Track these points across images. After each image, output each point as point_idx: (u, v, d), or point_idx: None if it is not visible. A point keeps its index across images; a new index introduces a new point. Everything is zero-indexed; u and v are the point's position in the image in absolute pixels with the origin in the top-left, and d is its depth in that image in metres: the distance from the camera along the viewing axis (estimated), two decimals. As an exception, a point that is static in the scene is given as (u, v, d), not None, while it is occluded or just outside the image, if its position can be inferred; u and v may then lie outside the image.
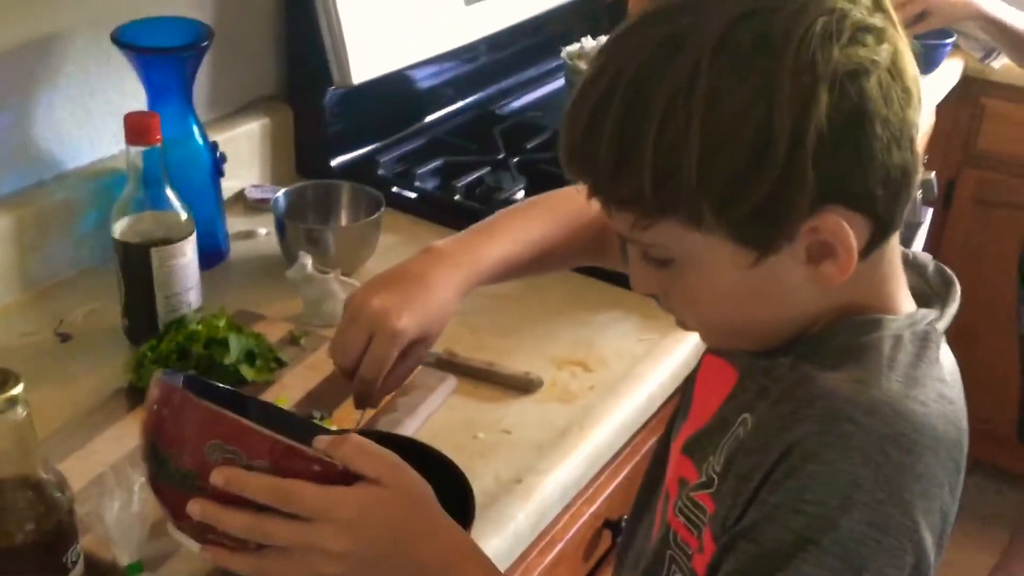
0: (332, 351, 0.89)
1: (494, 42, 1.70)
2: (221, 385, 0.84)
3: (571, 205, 1.00)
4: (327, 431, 0.84)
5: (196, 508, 0.66)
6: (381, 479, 0.68)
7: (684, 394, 0.87)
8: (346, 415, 1.03)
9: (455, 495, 0.84)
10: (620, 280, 1.19)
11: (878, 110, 0.63)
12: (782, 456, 0.65)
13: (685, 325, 0.76)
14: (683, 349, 1.20)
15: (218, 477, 0.65)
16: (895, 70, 0.65)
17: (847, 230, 0.65)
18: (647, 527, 0.85)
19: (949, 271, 0.77)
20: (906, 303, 0.73)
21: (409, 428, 1.02)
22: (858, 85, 0.63)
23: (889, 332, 0.69)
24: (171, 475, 0.68)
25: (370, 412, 0.90)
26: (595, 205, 0.88)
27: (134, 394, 1.03)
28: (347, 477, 0.67)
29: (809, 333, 0.71)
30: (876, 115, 0.63)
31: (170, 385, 0.70)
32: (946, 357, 0.72)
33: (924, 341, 0.70)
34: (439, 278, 0.90)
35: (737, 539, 0.66)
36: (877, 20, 0.64)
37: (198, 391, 0.72)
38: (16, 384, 0.74)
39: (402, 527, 0.68)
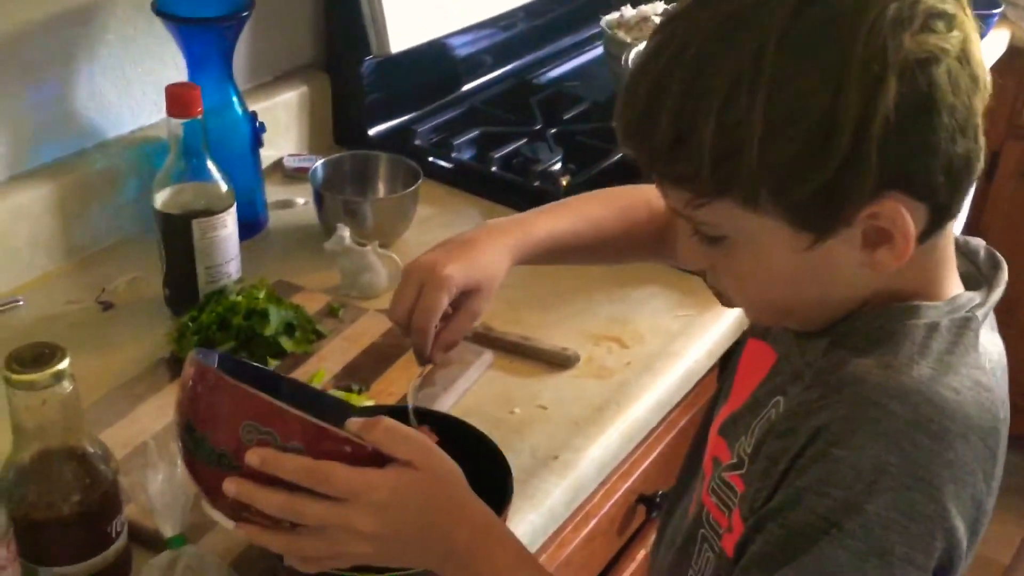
0: (389, 310, 0.91)
1: (531, 10, 1.68)
2: (254, 364, 0.85)
3: (633, 200, 1.01)
4: (358, 411, 0.85)
5: (232, 487, 0.67)
6: (412, 462, 0.68)
7: (725, 376, 0.87)
8: (384, 388, 1.03)
9: (493, 473, 0.85)
10: (658, 256, 1.18)
11: (945, 99, 0.63)
12: (810, 440, 0.65)
13: (731, 302, 0.76)
14: (720, 326, 1.19)
15: (253, 457, 0.66)
16: (964, 57, 0.64)
17: (906, 217, 0.64)
18: (685, 506, 0.85)
19: (999, 256, 0.76)
20: (953, 289, 0.72)
21: (446, 402, 1.02)
22: (928, 74, 0.62)
23: (926, 320, 0.69)
24: (206, 454, 0.69)
25: (429, 369, 0.91)
26: (657, 202, 0.88)
27: (176, 364, 1.05)
28: (378, 459, 0.68)
29: (850, 317, 0.71)
30: (943, 104, 0.63)
31: (205, 365, 0.71)
32: (990, 344, 0.71)
33: (962, 328, 0.69)
34: (488, 239, 0.92)
35: (764, 520, 0.67)
36: (948, 6, 0.63)
37: (231, 370, 0.72)
38: (63, 359, 0.75)
39: (432, 510, 0.69)
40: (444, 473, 0.71)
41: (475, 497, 0.72)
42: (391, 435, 0.69)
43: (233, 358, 0.85)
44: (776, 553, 0.65)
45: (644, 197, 1.01)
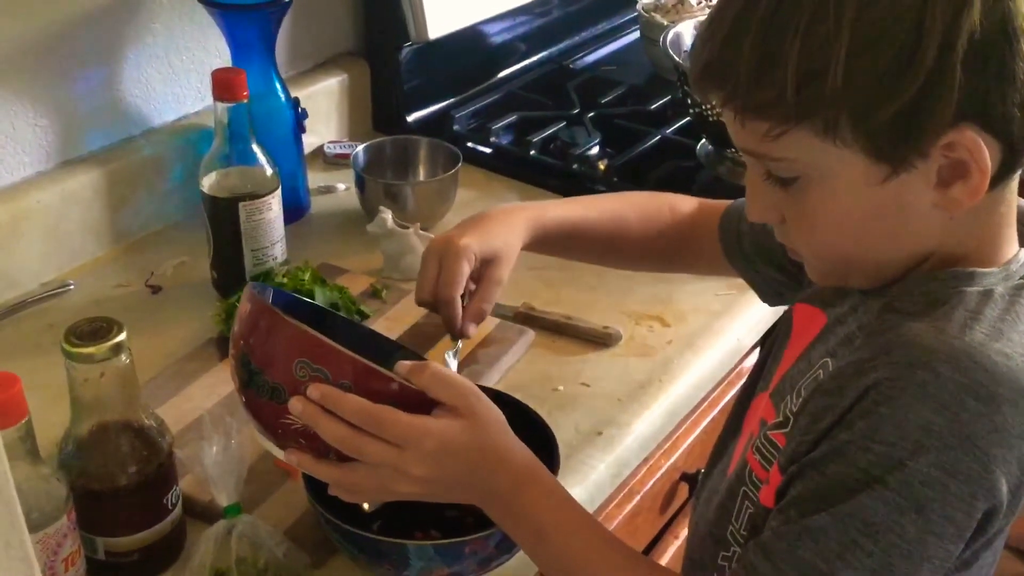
0: (415, 292, 0.93)
1: (568, -5, 1.69)
2: (309, 300, 0.87)
3: (656, 202, 1.02)
4: (409, 352, 0.87)
5: (298, 406, 0.69)
6: (458, 408, 0.71)
7: (771, 340, 0.87)
8: (428, 367, 1.04)
9: (540, 446, 0.86)
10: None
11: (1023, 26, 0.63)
12: (857, 399, 0.65)
13: (798, 254, 0.76)
14: (761, 305, 1.19)
15: (315, 392, 0.69)
16: None
17: (983, 149, 0.64)
18: (723, 467, 0.86)
19: None
20: (1009, 251, 0.72)
21: (490, 380, 1.03)
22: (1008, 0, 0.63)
23: (980, 287, 0.69)
24: (260, 386, 0.71)
25: (466, 346, 0.92)
26: (680, 207, 0.90)
27: (224, 344, 1.06)
28: (425, 401, 0.71)
29: (906, 280, 0.71)
30: (1022, 32, 0.63)
31: (261, 302, 0.72)
32: None
33: (1015, 295, 0.69)
34: (502, 214, 0.96)
35: (804, 469, 0.67)
36: None
37: (286, 305, 0.75)
38: (120, 332, 0.77)
39: (476, 456, 0.72)
40: (488, 419, 0.73)
41: (517, 442, 0.75)
42: (437, 380, 0.72)
43: (287, 293, 0.86)
44: (813, 499, 0.66)
45: (668, 202, 1.02)
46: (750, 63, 0.65)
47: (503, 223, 0.95)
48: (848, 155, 0.65)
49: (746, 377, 0.91)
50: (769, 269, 0.95)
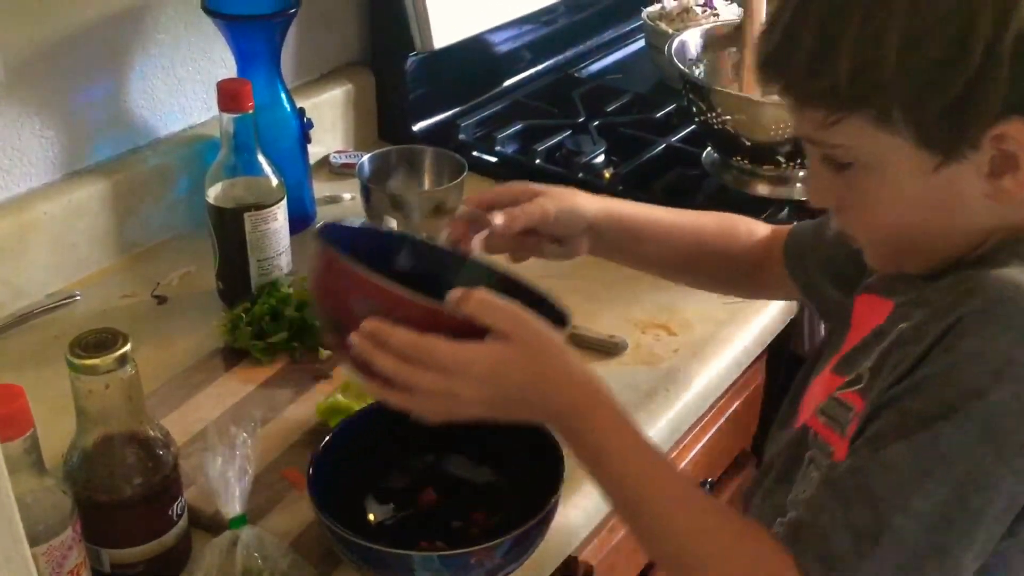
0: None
1: (573, 4, 1.69)
2: (380, 229, 0.98)
3: (733, 219, 1.02)
4: (468, 267, 0.88)
5: (355, 339, 0.73)
6: (507, 332, 0.72)
7: (831, 332, 0.88)
8: (434, 376, 1.04)
9: (545, 456, 0.86)
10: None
11: None
12: (939, 337, 0.66)
13: (855, 240, 0.78)
14: (768, 313, 1.19)
15: (367, 326, 0.72)
16: None
17: None
18: (781, 440, 0.85)
19: None
20: None
21: (496, 389, 1.03)
22: None
23: None
24: (327, 319, 0.79)
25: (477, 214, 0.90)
26: (757, 230, 0.95)
27: (230, 355, 1.07)
28: (479, 329, 0.72)
29: (972, 256, 0.72)
30: None
31: (325, 244, 0.76)
32: None
33: None
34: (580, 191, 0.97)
35: (879, 410, 0.68)
36: None
37: (355, 236, 0.84)
38: (125, 343, 0.77)
39: (530, 378, 0.73)
40: (539, 342, 0.73)
41: (575, 364, 0.74)
42: (483, 306, 0.73)
43: (357, 227, 0.94)
44: (891, 432, 0.66)
45: (746, 224, 1.03)
46: (807, 54, 0.68)
47: (580, 194, 0.95)
48: (901, 143, 0.68)
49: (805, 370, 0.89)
50: (829, 288, 0.95)
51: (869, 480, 0.66)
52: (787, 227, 1.01)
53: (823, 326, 1.25)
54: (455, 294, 0.73)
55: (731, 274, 1.03)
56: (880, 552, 0.65)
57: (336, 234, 0.81)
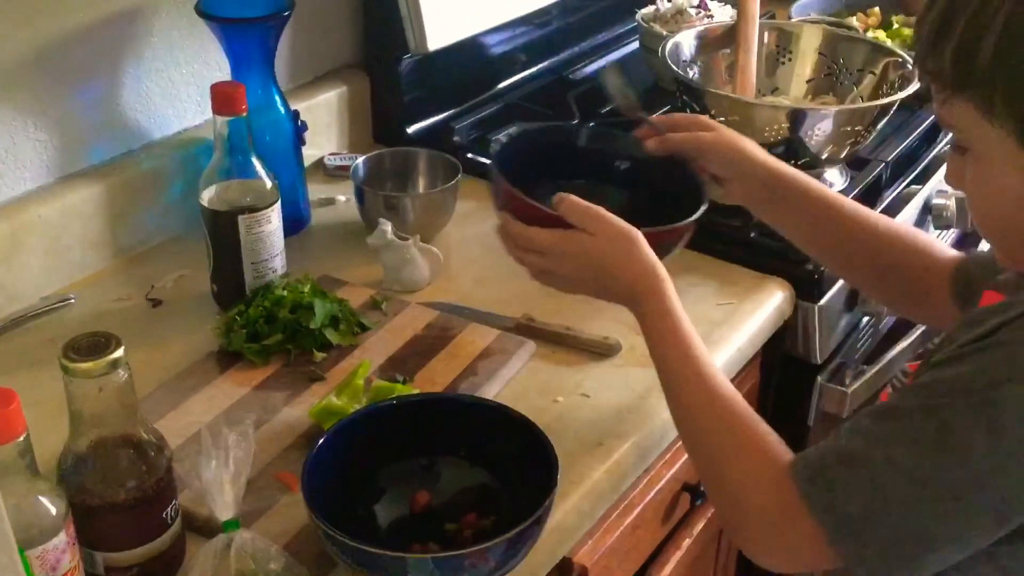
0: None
1: (567, 6, 1.69)
2: (557, 125, 1.19)
3: (920, 239, 1.05)
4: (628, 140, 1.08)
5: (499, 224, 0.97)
6: (587, 226, 0.90)
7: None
8: (427, 378, 1.05)
9: (539, 458, 0.86)
10: (698, 245, 1.19)
11: None
12: (991, 330, 0.71)
13: (979, 229, 0.82)
14: (761, 314, 1.19)
15: (500, 223, 0.97)
16: None
17: None
18: None
19: None
20: None
21: (489, 391, 1.03)
22: None
23: None
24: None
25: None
26: (943, 254, 0.99)
27: (225, 357, 1.07)
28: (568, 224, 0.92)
29: None
30: None
31: (492, 159, 1.00)
32: None
33: None
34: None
35: (921, 369, 0.74)
36: None
37: (533, 136, 1.10)
38: (118, 347, 0.77)
39: (603, 260, 0.90)
40: (613, 236, 0.90)
41: (638, 254, 0.89)
42: (570, 207, 0.91)
43: (533, 131, 1.15)
44: (914, 391, 0.72)
45: (933, 245, 1.05)
46: (930, 35, 0.74)
47: (749, 142, 1.05)
48: (1003, 136, 0.72)
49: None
50: None
51: (873, 418, 0.73)
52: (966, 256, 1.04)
53: (819, 327, 1.25)
54: (556, 198, 0.91)
55: (903, 290, 1.06)
56: (854, 475, 0.72)
57: (523, 139, 1.07)
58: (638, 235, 0.89)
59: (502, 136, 1.03)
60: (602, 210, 0.90)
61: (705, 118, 1.08)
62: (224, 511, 0.80)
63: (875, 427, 0.73)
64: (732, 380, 1.16)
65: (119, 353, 0.77)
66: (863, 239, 1.03)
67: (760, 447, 0.80)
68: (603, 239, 0.90)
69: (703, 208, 0.98)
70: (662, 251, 0.93)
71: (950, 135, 0.80)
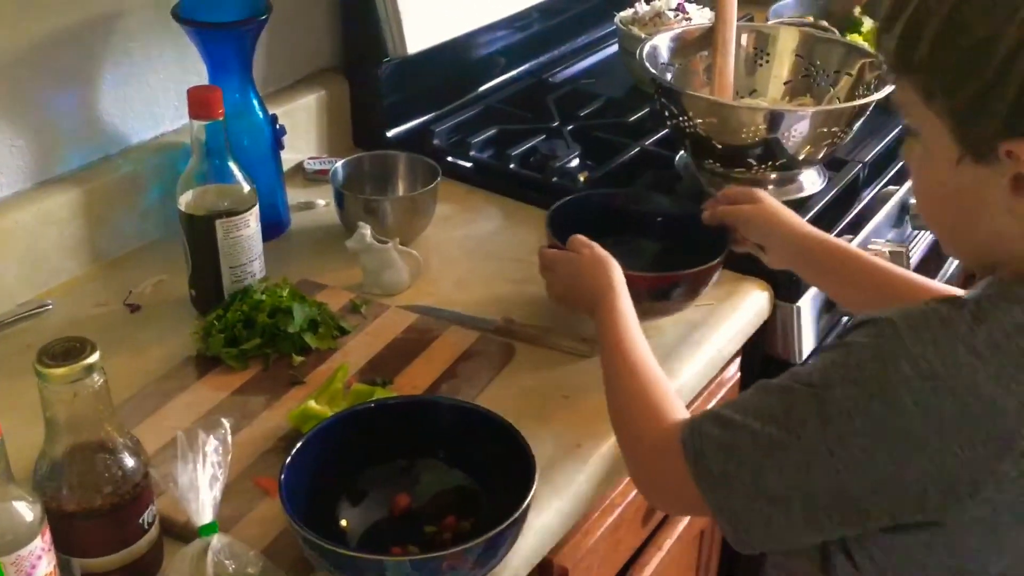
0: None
1: (546, 9, 1.69)
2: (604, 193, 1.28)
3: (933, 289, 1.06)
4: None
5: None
6: (580, 252, 1.07)
7: None
8: (407, 381, 1.05)
9: (517, 460, 0.86)
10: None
11: None
12: (848, 329, 0.77)
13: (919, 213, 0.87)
14: (741, 315, 1.20)
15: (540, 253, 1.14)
16: None
17: None
18: None
19: None
20: None
21: (469, 394, 1.03)
22: None
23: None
24: None
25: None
26: None
27: (203, 362, 1.06)
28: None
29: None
30: None
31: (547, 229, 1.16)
32: None
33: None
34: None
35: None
36: None
37: (586, 200, 1.25)
38: (93, 352, 0.77)
39: (584, 274, 1.05)
40: (596, 262, 1.05)
41: (606, 275, 1.02)
42: (572, 240, 1.09)
43: (581, 197, 1.25)
44: (782, 378, 0.79)
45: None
46: (886, 12, 0.76)
47: (786, 213, 1.14)
48: (939, 125, 0.74)
49: None
50: None
51: (752, 390, 0.80)
52: None
53: (797, 327, 1.26)
54: (571, 238, 1.09)
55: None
56: (722, 435, 0.79)
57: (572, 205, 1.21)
58: (611, 261, 1.05)
59: (557, 203, 1.19)
60: (592, 242, 1.08)
61: (756, 191, 1.16)
62: (201, 516, 0.80)
63: (748, 397, 0.80)
64: (712, 380, 1.17)
65: (94, 358, 0.76)
66: (901, 295, 1.05)
67: (662, 404, 0.90)
68: (585, 259, 1.06)
69: (715, 261, 1.13)
70: (659, 294, 1.11)
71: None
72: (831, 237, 1.13)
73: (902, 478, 0.71)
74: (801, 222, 1.13)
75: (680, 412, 0.89)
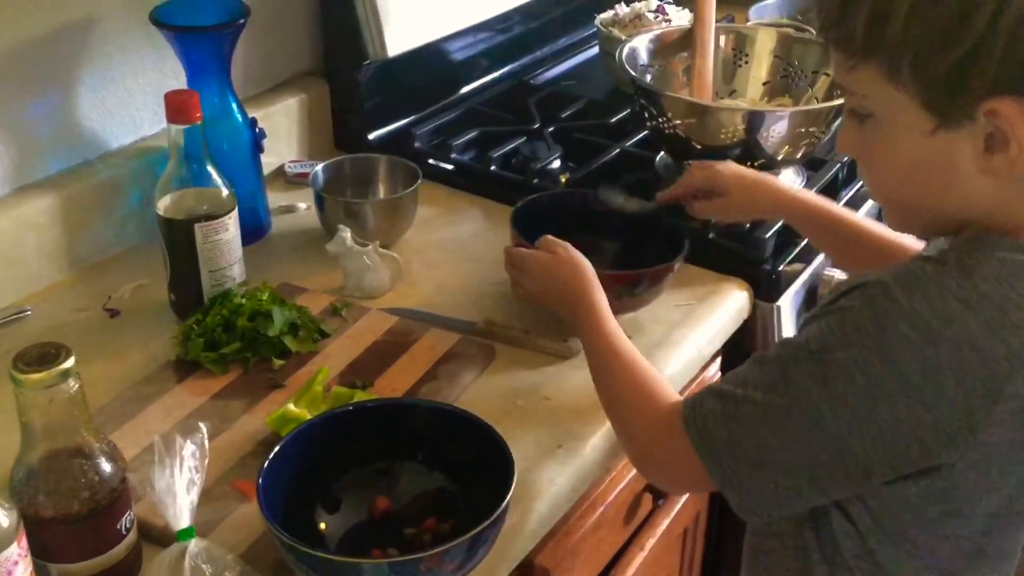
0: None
1: (527, 12, 1.70)
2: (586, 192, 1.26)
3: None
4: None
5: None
6: (555, 252, 1.07)
7: None
8: (387, 384, 1.05)
9: (496, 461, 0.86)
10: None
11: None
12: (841, 294, 0.77)
13: (873, 195, 0.90)
14: (720, 315, 1.20)
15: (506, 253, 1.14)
16: None
17: (1022, 121, 0.70)
18: None
19: None
20: None
21: (450, 396, 1.03)
22: None
23: (996, 255, 0.74)
24: None
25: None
26: None
27: (182, 367, 1.06)
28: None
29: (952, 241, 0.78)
30: None
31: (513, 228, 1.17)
32: None
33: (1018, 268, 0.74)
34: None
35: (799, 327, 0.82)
36: None
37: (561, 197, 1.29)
38: (68, 357, 0.77)
39: (557, 275, 1.05)
40: (570, 262, 1.05)
41: (580, 276, 1.03)
42: (543, 241, 1.09)
43: (547, 196, 1.27)
44: (776, 348, 0.80)
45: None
46: (839, 3, 0.76)
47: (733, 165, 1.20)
48: (906, 100, 0.74)
49: None
50: None
51: (748, 364, 0.82)
52: None
53: (777, 326, 1.26)
54: (543, 238, 1.09)
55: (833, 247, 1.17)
56: (722, 408, 0.80)
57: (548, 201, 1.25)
58: (584, 260, 1.06)
59: (520, 202, 1.21)
60: (564, 242, 1.08)
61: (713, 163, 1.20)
62: (178, 520, 0.79)
63: (745, 370, 0.82)
64: (692, 379, 1.18)
65: (69, 363, 0.76)
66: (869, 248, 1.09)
67: (655, 388, 0.91)
68: (560, 259, 1.06)
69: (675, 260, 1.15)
70: (624, 290, 1.11)
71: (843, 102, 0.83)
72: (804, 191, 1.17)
73: (902, 430, 0.73)
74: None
75: (674, 395, 0.91)
